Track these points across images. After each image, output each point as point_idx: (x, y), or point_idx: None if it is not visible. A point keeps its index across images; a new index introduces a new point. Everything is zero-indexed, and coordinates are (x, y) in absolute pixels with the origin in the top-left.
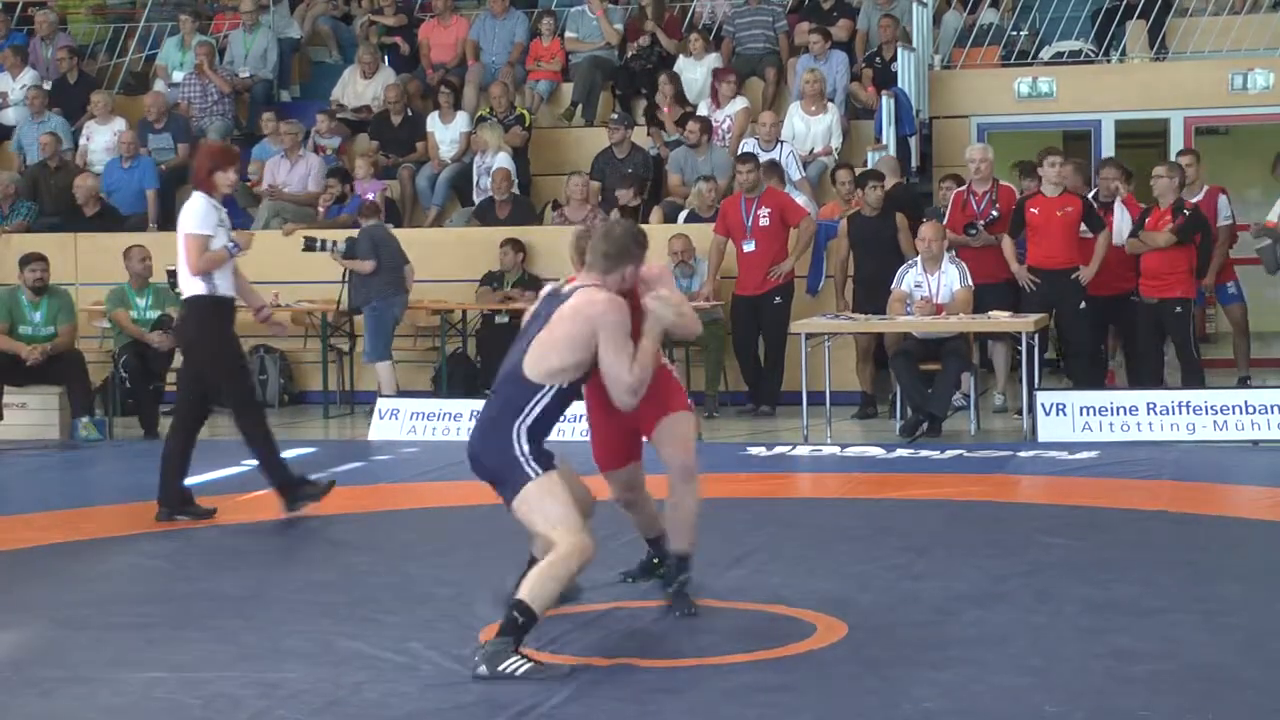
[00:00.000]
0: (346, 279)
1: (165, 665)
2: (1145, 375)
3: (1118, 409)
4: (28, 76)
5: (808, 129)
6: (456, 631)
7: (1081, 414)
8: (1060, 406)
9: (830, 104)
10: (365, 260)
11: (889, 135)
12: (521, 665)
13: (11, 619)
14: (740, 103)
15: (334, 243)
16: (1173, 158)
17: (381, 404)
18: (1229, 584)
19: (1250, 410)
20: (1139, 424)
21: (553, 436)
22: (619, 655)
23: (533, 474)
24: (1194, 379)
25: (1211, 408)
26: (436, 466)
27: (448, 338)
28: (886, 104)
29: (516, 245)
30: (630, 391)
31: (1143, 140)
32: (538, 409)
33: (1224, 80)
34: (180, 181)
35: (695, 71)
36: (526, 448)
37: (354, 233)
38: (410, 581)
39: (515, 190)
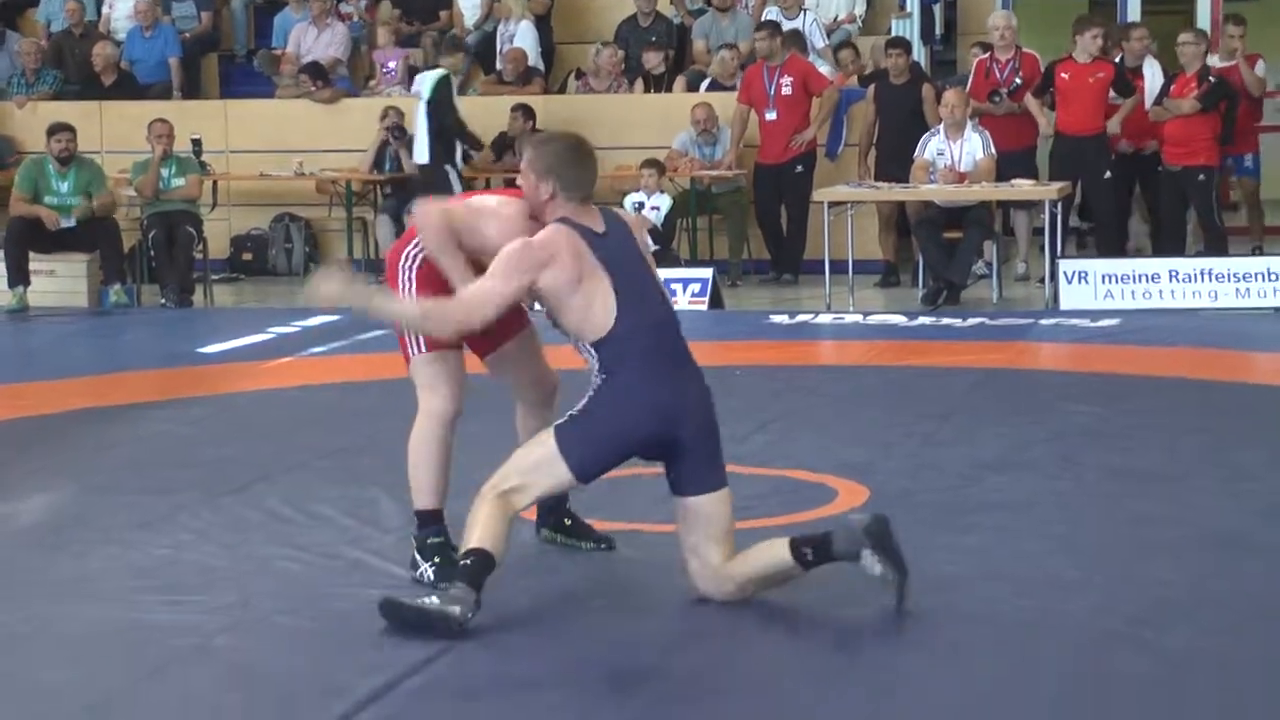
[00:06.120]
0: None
1: (193, 529)
2: (1168, 242)
3: (1140, 276)
4: None
5: None
6: None
7: (1103, 282)
8: (1082, 274)
9: None
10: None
11: (913, 2)
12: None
13: (44, 483)
14: None
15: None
16: (1200, 25)
17: None
18: (1249, 450)
19: (1272, 278)
20: (1161, 291)
21: None
22: (638, 520)
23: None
24: (1217, 246)
25: (1234, 275)
26: None
27: None
28: None
29: (528, 111)
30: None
31: (1169, 6)
32: None
33: None
34: (204, 49)
35: None
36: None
37: None
38: None
39: (534, 65)
